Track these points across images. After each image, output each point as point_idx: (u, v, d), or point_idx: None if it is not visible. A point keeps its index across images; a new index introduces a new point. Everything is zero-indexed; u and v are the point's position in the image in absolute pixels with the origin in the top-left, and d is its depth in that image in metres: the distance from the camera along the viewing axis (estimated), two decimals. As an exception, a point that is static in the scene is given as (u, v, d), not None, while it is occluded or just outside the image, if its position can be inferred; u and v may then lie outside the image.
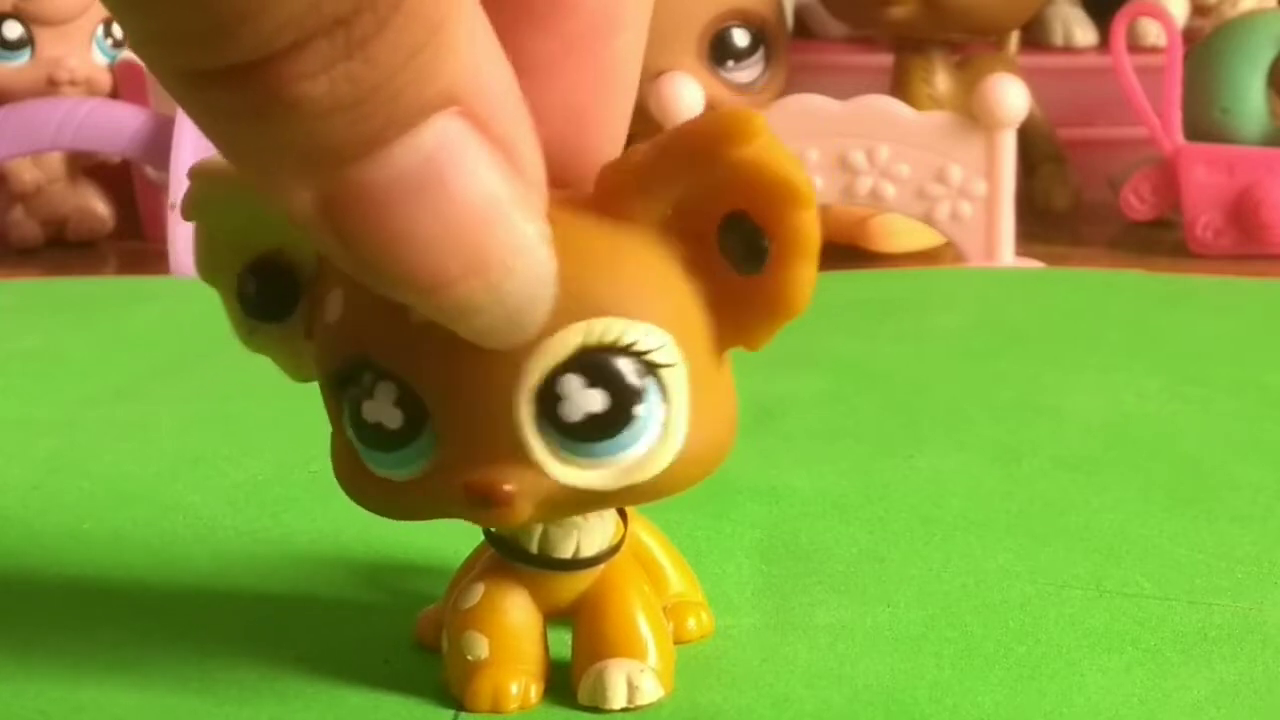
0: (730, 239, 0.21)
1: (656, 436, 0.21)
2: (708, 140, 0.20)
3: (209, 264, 0.23)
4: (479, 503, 0.21)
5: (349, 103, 0.17)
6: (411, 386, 0.21)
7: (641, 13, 0.22)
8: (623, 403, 0.21)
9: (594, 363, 0.21)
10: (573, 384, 0.21)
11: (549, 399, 0.21)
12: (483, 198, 0.18)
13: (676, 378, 0.21)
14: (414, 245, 0.18)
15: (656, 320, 0.21)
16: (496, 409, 0.21)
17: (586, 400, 0.21)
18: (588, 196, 0.21)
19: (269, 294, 0.23)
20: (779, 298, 0.21)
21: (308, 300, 0.23)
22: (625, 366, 0.21)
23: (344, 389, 0.22)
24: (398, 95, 0.17)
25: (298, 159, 0.18)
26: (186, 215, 0.23)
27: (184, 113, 0.19)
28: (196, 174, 0.22)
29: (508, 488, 0.21)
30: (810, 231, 0.21)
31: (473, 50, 0.18)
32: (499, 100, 0.18)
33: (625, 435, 0.21)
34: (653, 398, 0.21)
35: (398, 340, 0.21)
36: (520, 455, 0.21)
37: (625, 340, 0.21)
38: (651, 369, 0.21)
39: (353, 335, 0.21)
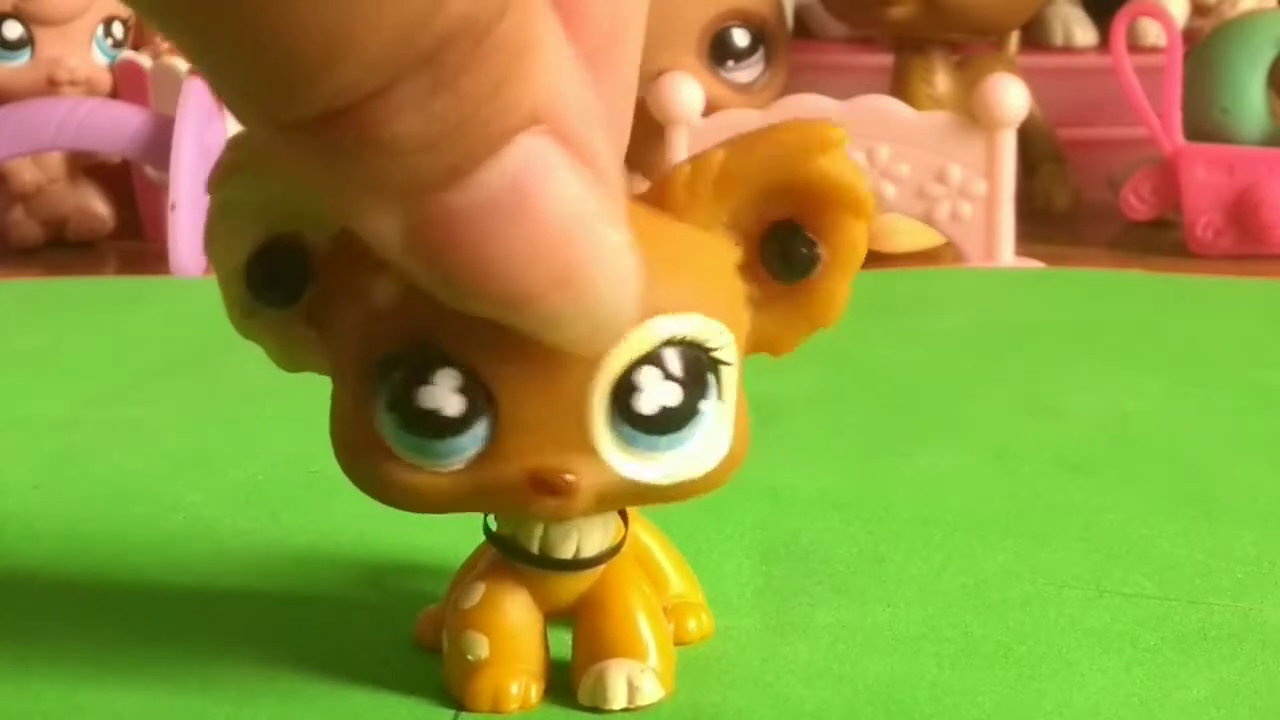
0: (773, 246, 0.22)
1: (709, 434, 0.22)
2: (791, 149, 0.22)
3: (226, 238, 0.22)
4: (541, 491, 0.21)
5: (437, 138, 0.17)
6: (479, 374, 0.21)
7: (641, 16, 0.22)
8: (694, 397, 0.22)
9: (672, 357, 0.21)
10: (651, 376, 0.21)
11: (626, 390, 0.21)
12: (568, 212, 0.18)
13: (730, 377, 0.22)
14: (502, 263, 0.18)
15: (722, 318, 0.22)
16: (571, 398, 0.21)
17: (663, 393, 0.21)
18: (651, 193, 0.22)
19: (277, 277, 0.22)
20: (822, 306, 0.23)
21: (318, 286, 0.22)
22: (698, 362, 0.22)
23: (389, 376, 0.21)
24: (485, 126, 0.17)
25: (385, 191, 0.18)
26: (217, 183, 0.22)
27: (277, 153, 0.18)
28: (235, 144, 0.22)
29: (572, 478, 0.21)
30: (864, 244, 0.22)
31: (555, 73, 0.18)
32: (581, 115, 0.18)
33: (688, 430, 0.22)
34: (713, 395, 0.22)
35: (470, 328, 0.21)
36: (586, 446, 0.21)
37: (700, 336, 0.22)
38: (715, 366, 0.22)
39: (415, 320, 0.21)
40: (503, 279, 0.19)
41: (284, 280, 0.22)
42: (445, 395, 0.21)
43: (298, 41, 0.16)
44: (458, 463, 0.21)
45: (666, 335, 0.21)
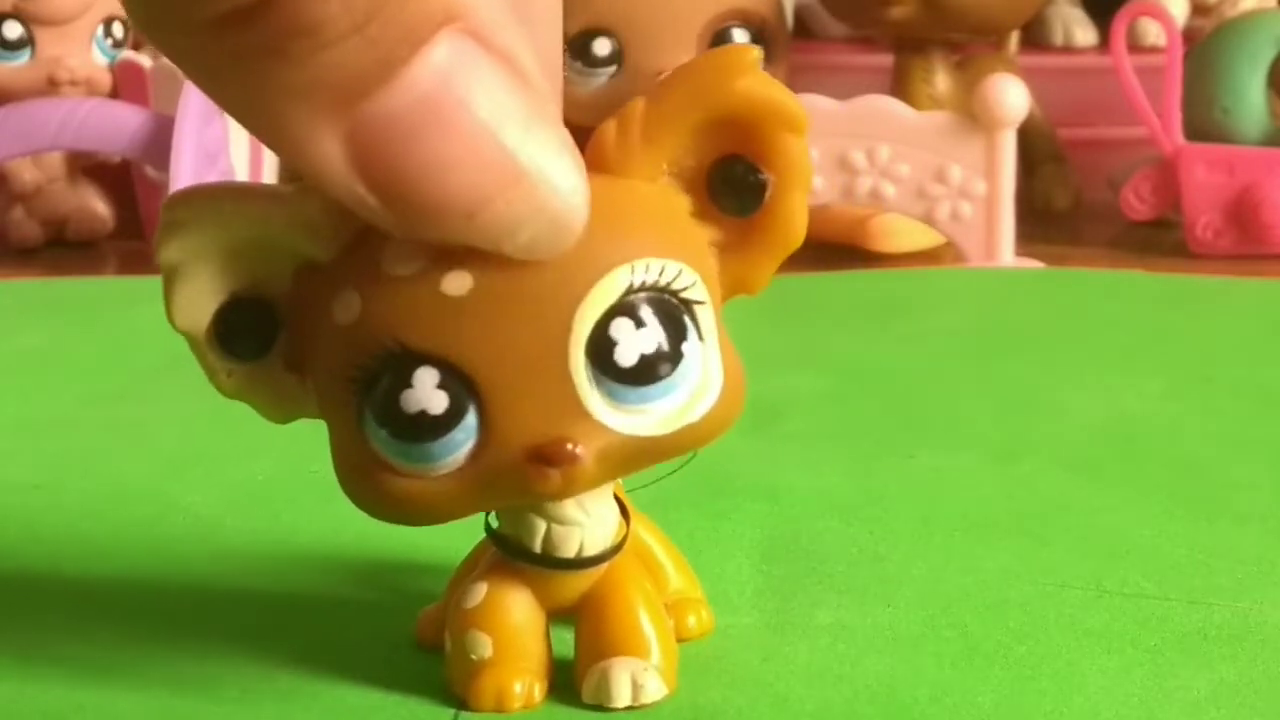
0: (720, 184, 0.22)
1: (699, 375, 0.22)
2: (708, 79, 0.22)
3: (184, 301, 0.22)
4: (546, 464, 0.21)
5: (358, 22, 0.17)
6: (455, 365, 0.21)
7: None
8: (673, 340, 0.21)
9: (642, 303, 0.21)
10: (625, 326, 0.21)
11: (603, 346, 0.21)
12: (500, 111, 0.19)
13: (708, 316, 0.22)
14: (446, 170, 0.19)
15: (684, 258, 0.22)
16: (551, 366, 0.21)
17: (640, 341, 0.21)
18: (587, 159, 0.21)
19: (246, 331, 0.22)
20: (780, 229, 0.22)
21: (290, 331, 0.22)
22: (669, 304, 0.22)
23: (370, 389, 0.21)
24: (401, 9, 0.18)
25: (319, 100, 0.18)
26: (161, 245, 0.22)
27: (198, 85, 0.18)
28: (171, 203, 0.22)
29: (574, 446, 0.21)
30: (806, 158, 0.22)
31: None
32: (495, 13, 0.19)
33: (676, 375, 0.22)
34: (692, 336, 0.22)
35: (436, 320, 0.21)
36: (578, 411, 0.21)
37: (665, 278, 0.21)
38: (688, 307, 0.22)
39: (381, 327, 0.21)
40: (448, 188, 0.19)
41: (253, 331, 0.22)
42: (428, 394, 0.21)
43: None
44: (458, 459, 0.21)
45: (628, 283, 0.21)
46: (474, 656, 0.24)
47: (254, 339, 0.22)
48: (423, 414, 0.21)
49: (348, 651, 0.26)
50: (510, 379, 0.21)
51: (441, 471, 0.22)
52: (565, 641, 0.25)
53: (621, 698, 0.23)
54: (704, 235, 0.22)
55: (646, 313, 0.21)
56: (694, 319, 0.22)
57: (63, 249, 0.69)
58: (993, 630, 0.26)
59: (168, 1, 0.17)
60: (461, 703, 0.24)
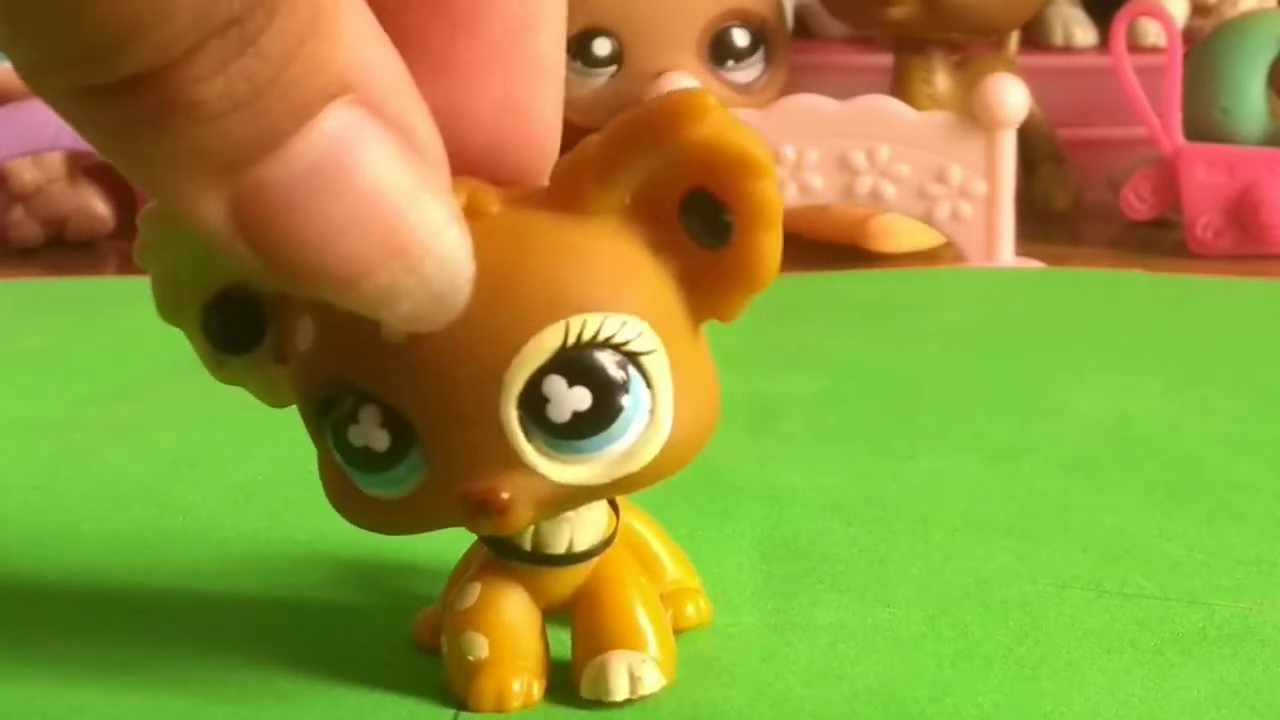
0: (691, 216, 0.21)
1: (644, 424, 0.21)
2: (660, 122, 0.20)
3: (170, 305, 0.23)
4: (478, 513, 0.21)
5: (245, 99, 0.17)
6: (395, 407, 0.21)
7: (560, 4, 0.22)
8: (608, 397, 0.21)
9: (575, 360, 0.21)
10: (557, 385, 0.21)
11: (535, 402, 0.21)
12: (388, 181, 0.18)
13: (658, 363, 0.21)
14: (328, 238, 0.18)
15: (631, 309, 0.21)
16: (484, 419, 0.21)
17: (572, 399, 0.21)
18: (543, 192, 0.21)
19: (235, 326, 0.23)
20: (747, 269, 0.21)
21: (277, 327, 0.23)
22: (606, 360, 0.21)
23: (325, 414, 0.22)
24: (291, 86, 0.17)
25: (202, 167, 0.18)
26: (141, 260, 0.22)
27: (91, 144, 0.18)
28: (147, 218, 0.22)
29: (505, 495, 0.21)
30: (771, 200, 0.21)
31: (358, 36, 0.18)
32: (391, 84, 0.18)
33: (614, 428, 0.21)
34: (637, 387, 0.21)
35: (376, 362, 0.21)
36: (512, 461, 0.21)
37: (604, 334, 0.21)
38: (632, 358, 0.21)
39: (329, 361, 0.21)
40: (330, 256, 0.18)
41: (241, 328, 0.23)
42: (371, 431, 0.21)
43: (115, 7, 0.16)
44: (404, 490, 0.22)
45: (563, 341, 0.21)
46: (471, 657, 0.24)
47: (243, 333, 0.23)
48: (368, 449, 0.21)
49: (347, 652, 0.26)
50: (445, 425, 0.21)
51: (391, 498, 0.22)
52: (562, 639, 0.25)
53: (620, 690, 0.23)
54: (666, 269, 0.22)
55: (581, 369, 0.21)
56: (641, 369, 0.21)
57: (63, 249, 0.69)
58: (993, 630, 0.26)
59: (56, 69, 0.17)
60: (461, 704, 0.24)
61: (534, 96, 0.21)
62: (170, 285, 0.23)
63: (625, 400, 0.21)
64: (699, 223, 0.21)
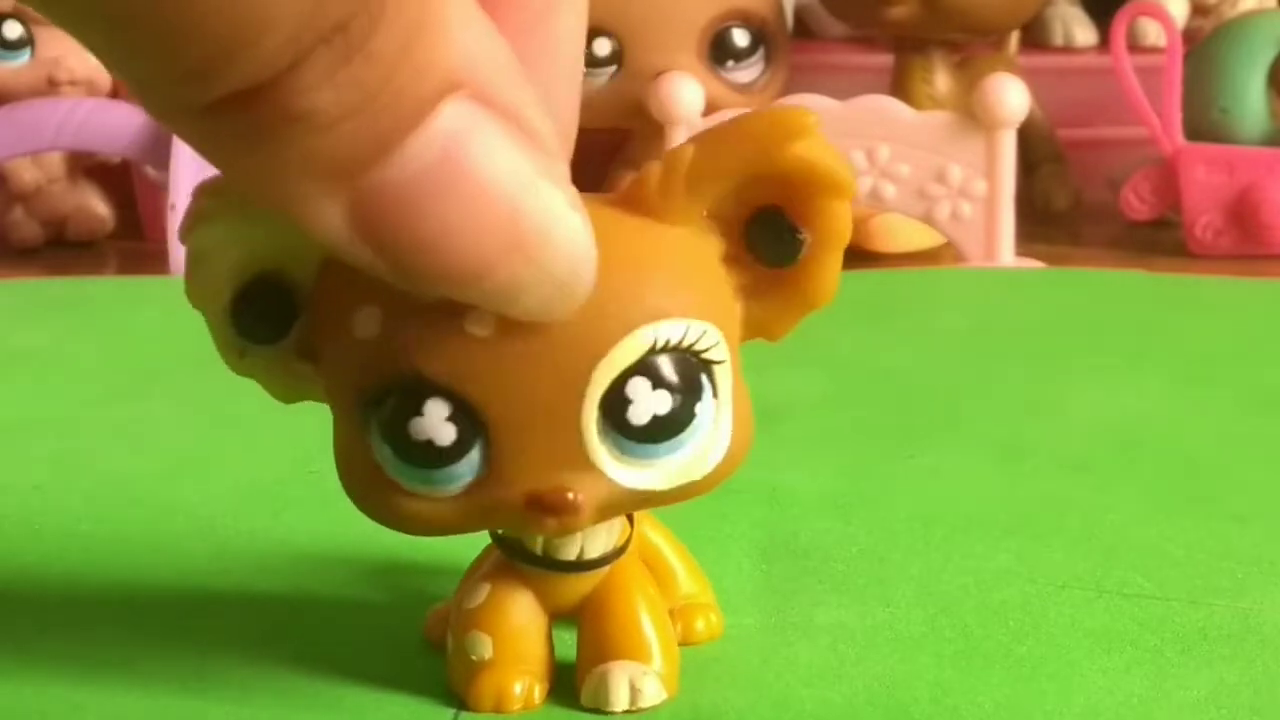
0: (759, 233, 0.22)
1: (708, 433, 0.22)
2: (762, 140, 0.21)
3: (203, 287, 0.22)
4: (543, 512, 0.21)
5: (356, 106, 0.17)
6: (468, 401, 0.21)
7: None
8: (687, 402, 0.21)
9: (660, 364, 0.21)
10: (641, 387, 0.21)
11: (617, 403, 0.21)
12: (505, 174, 0.18)
13: (725, 374, 0.22)
14: (449, 236, 0.18)
15: (709, 317, 0.22)
16: (563, 418, 0.21)
17: (654, 403, 0.21)
18: (624, 196, 0.22)
19: (264, 316, 0.22)
20: (812, 288, 0.22)
21: (307, 319, 0.22)
22: (688, 366, 0.21)
23: (379, 407, 0.21)
24: (402, 89, 0.17)
25: (317, 175, 0.18)
26: (187, 232, 0.22)
27: (200, 153, 0.18)
28: (204, 191, 0.22)
29: (574, 496, 0.21)
30: (847, 223, 0.22)
31: (465, 28, 0.18)
32: (500, 73, 0.18)
33: (684, 434, 0.22)
34: (707, 395, 0.22)
35: (456, 355, 0.21)
36: (582, 462, 0.21)
37: (687, 341, 0.21)
38: (706, 367, 0.22)
39: (399, 352, 0.21)
40: (451, 254, 0.18)
41: (272, 316, 0.22)
42: (437, 425, 0.21)
43: (214, 22, 0.16)
44: (457, 488, 0.21)
45: (651, 344, 0.21)
46: (474, 657, 0.24)
47: (271, 323, 0.22)
48: (429, 443, 0.21)
49: (347, 651, 0.26)
50: (521, 423, 0.21)
51: (441, 495, 0.22)
52: (568, 644, 0.25)
53: (619, 701, 0.23)
54: (732, 281, 0.22)
55: (665, 373, 0.21)
56: (711, 379, 0.22)
57: (63, 249, 0.69)
58: (993, 630, 0.26)
59: (163, 87, 0.17)
60: (461, 703, 0.24)
61: (555, 85, 0.21)
62: (208, 265, 0.22)
63: (699, 408, 0.22)
64: (767, 239, 0.22)
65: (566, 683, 0.24)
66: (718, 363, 0.22)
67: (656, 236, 0.21)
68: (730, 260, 0.22)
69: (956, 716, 0.24)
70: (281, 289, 0.22)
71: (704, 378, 0.22)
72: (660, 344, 0.21)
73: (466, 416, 0.21)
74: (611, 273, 0.20)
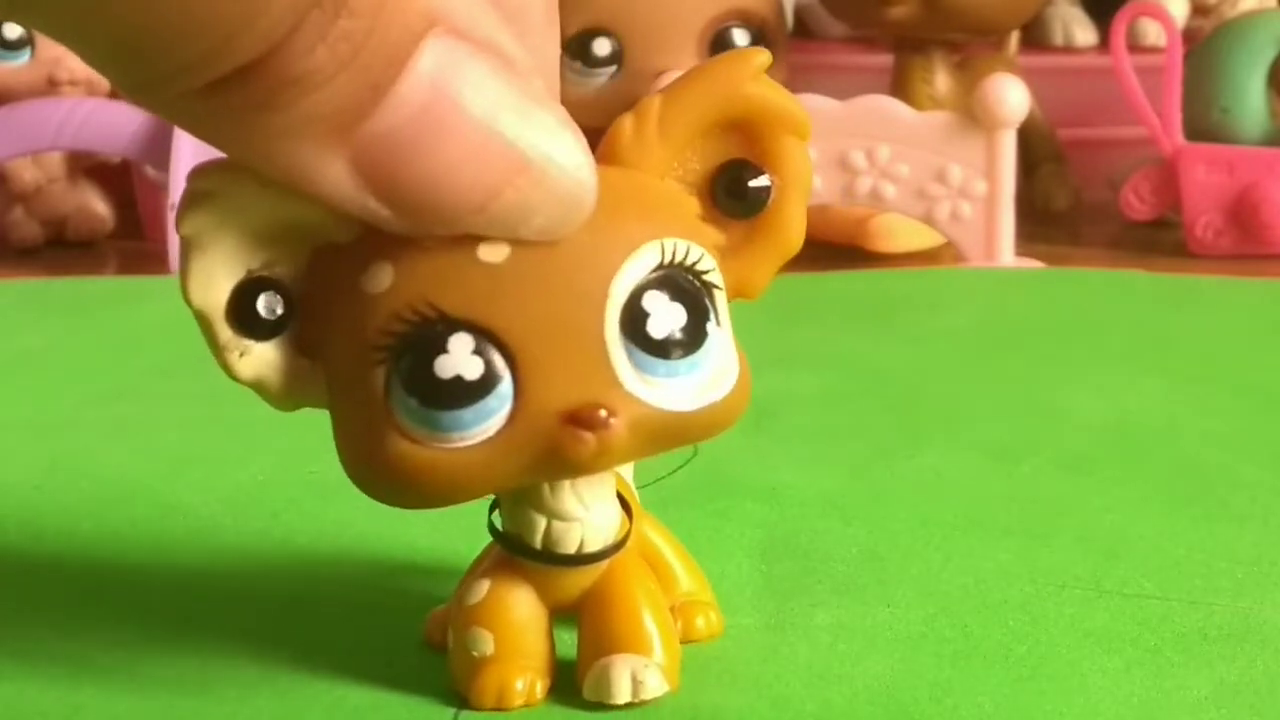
0: (726, 186, 0.23)
1: (720, 355, 0.23)
2: (723, 81, 0.22)
3: (202, 276, 0.22)
4: (583, 428, 0.21)
5: (346, 60, 0.18)
6: (492, 331, 0.21)
7: None
8: (699, 316, 0.22)
9: (672, 279, 0.22)
10: (658, 300, 0.22)
11: (637, 316, 0.22)
12: (493, 103, 0.19)
13: (723, 301, 0.23)
14: (450, 172, 0.19)
15: (704, 245, 0.22)
16: (586, 333, 0.21)
17: (671, 315, 0.22)
18: (601, 154, 0.22)
19: (263, 310, 0.22)
20: (782, 234, 0.23)
21: (302, 313, 0.22)
22: (696, 284, 0.22)
23: (403, 354, 0.21)
24: (385, 35, 0.18)
25: (317, 134, 0.18)
26: (183, 216, 0.21)
27: (197, 136, 0.19)
28: (196, 173, 0.21)
29: (608, 414, 0.21)
30: (807, 163, 0.23)
31: None
32: (472, 6, 0.19)
33: (701, 351, 0.22)
34: (713, 317, 0.22)
35: (473, 285, 0.21)
36: (611, 380, 0.22)
37: (691, 259, 0.22)
38: (709, 290, 0.22)
39: (417, 293, 0.21)
40: (456, 186, 0.19)
41: (269, 310, 0.22)
42: (463, 360, 0.21)
43: (218, 7, 0.17)
44: (489, 429, 0.21)
45: (660, 259, 0.22)
46: (475, 653, 0.24)
47: (268, 320, 0.22)
48: (458, 379, 0.21)
49: (347, 651, 0.26)
50: (546, 346, 0.21)
51: (471, 441, 0.21)
52: (569, 644, 0.25)
53: (621, 694, 0.23)
54: (710, 237, 0.23)
55: (678, 287, 0.22)
56: (713, 302, 0.22)
57: (63, 249, 0.69)
58: (993, 630, 0.26)
59: (150, 72, 0.17)
60: (463, 699, 0.24)
61: (527, 39, 0.22)
62: (205, 253, 0.21)
63: (709, 326, 0.22)
64: (730, 192, 0.23)
65: (568, 679, 0.24)
66: (718, 288, 0.23)
67: (643, 180, 0.23)
68: (708, 219, 0.23)
69: (956, 716, 0.24)
70: (274, 285, 0.22)
71: (708, 301, 0.22)
72: (668, 259, 0.22)
73: (492, 347, 0.21)
74: (617, 195, 0.21)
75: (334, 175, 0.19)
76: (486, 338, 0.21)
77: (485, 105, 0.19)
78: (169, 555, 0.30)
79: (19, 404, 0.42)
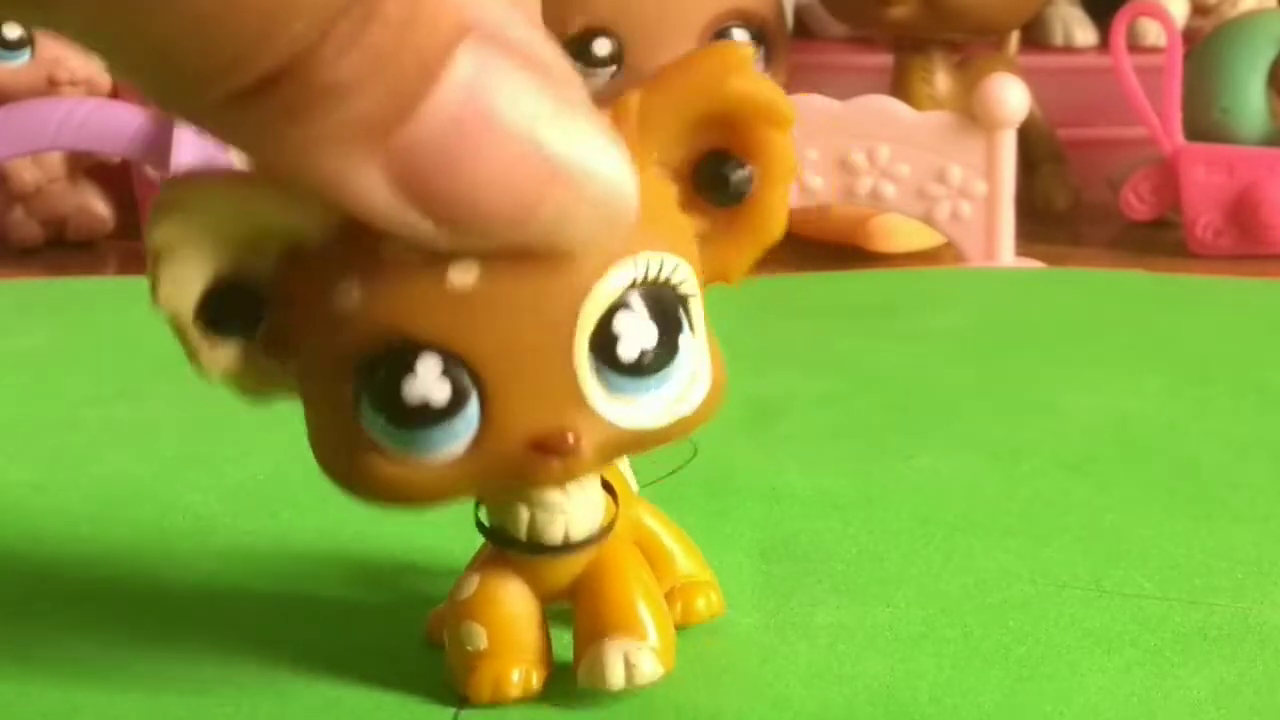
0: (707, 175, 0.23)
1: (691, 367, 0.22)
2: (704, 76, 0.22)
3: (173, 283, 0.22)
4: (546, 454, 0.21)
5: (377, 68, 0.17)
6: (458, 354, 0.21)
7: None
8: (671, 334, 0.22)
9: (643, 298, 0.22)
10: (628, 321, 0.22)
11: (607, 339, 0.21)
12: (528, 111, 0.19)
13: (697, 309, 0.23)
14: (488, 183, 0.19)
15: (679, 253, 0.22)
16: (555, 358, 0.21)
17: (642, 335, 0.22)
18: None
19: (231, 316, 0.22)
20: (761, 222, 0.23)
21: (271, 315, 0.22)
22: (667, 300, 0.22)
23: (369, 375, 0.21)
24: (417, 44, 0.18)
25: (350, 144, 0.18)
26: (154, 224, 0.21)
27: (234, 146, 0.19)
28: (168, 185, 0.21)
29: (574, 438, 0.21)
30: (790, 153, 0.23)
31: None
32: (504, 12, 0.19)
33: (671, 368, 0.22)
34: (686, 329, 0.22)
35: (440, 310, 0.21)
36: (579, 403, 0.21)
37: (665, 273, 0.22)
38: (683, 301, 0.22)
39: (383, 317, 0.21)
40: (495, 198, 0.19)
41: (236, 315, 0.22)
42: (431, 383, 0.21)
43: (245, 15, 0.16)
44: (455, 449, 0.21)
45: (632, 277, 0.21)
46: (470, 648, 0.24)
47: (238, 322, 0.22)
48: (425, 404, 0.21)
49: (348, 651, 0.26)
50: (514, 370, 0.21)
51: (439, 458, 0.21)
52: (566, 645, 0.25)
53: (615, 679, 0.23)
54: (689, 225, 0.23)
55: (648, 307, 0.22)
56: (687, 312, 0.22)
57: (63, 249, 0.69)
58: (993, 630, 0.26)
59: (180, 81, 0.17)
60: (461, 695, 0.24)
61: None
62: (176, 261, 0.22)
63: (681, 339, 0.22)
64: (712, 181, 0.23)
65: (566, 673, 0.24)
66: (692, 296, 0.22)
67: None
68: (684, 207, 0.23)
69: (956, 716, 0.24)
70: (243, 288, 0.22)
71: (681, 312, 0.22)
72: (640, 277, 0.21)
73: (459, 370, 0.21)
74: None
75: (370, 186, 0.18)
76: (454, 362, 0.21)
77: (521, 115, 0.19)
78: (169, 555, 0.30)
79: (19, 404, 0.42)
